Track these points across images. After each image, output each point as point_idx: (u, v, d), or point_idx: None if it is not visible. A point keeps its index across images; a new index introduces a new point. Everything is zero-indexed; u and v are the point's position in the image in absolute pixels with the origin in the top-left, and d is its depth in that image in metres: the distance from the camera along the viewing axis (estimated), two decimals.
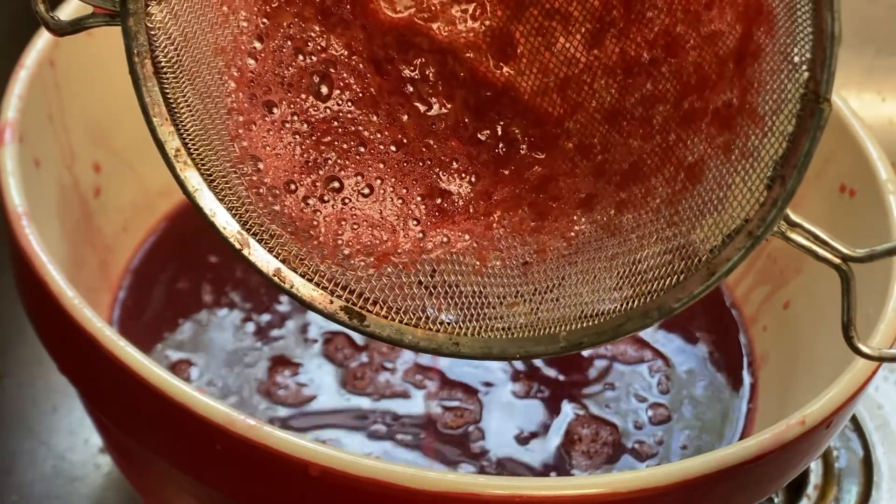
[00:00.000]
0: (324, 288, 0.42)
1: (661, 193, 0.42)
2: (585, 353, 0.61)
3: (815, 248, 0.41)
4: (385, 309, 0.42)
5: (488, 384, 0.59)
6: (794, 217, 0.40)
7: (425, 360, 0.60)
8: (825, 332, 0.56)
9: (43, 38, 0.57)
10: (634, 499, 0.43)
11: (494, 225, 0.44)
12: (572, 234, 0.43)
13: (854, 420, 0.66)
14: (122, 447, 0.53)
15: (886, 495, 0.63)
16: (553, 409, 0.59)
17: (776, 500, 0.62)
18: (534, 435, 0.57)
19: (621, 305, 0.41)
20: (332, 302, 0.42)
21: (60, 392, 0.64)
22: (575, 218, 0.43)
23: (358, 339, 0.60)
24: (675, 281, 0.41)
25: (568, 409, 0.59)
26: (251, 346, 0.60)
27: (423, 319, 0.42)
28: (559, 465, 0.56)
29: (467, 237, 0.43)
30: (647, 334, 0.62)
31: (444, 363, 0.60)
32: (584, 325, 0.42)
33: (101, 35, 0.59)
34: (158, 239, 0.64)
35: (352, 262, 0.42)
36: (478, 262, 0.43)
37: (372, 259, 0.42)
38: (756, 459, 0.45)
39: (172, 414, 0.44)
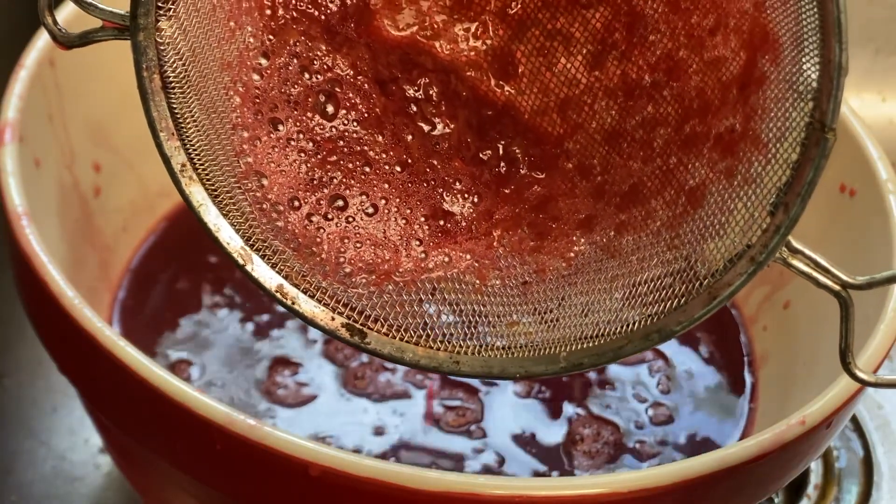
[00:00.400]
0: (325, 304, 0.42)
1: (661, 216, 0.42)
2: None
3: (815, 274, 0.41)
4: (386, 327, 0.42)
5: (489, 384, 0.59)
6: (795, 244, 0.40)
7: None
8: (825, 332, 0.56)
9: (43, 38, 0.57)
10: (634, 499, 0.43)
11: (495, 244, 0.44)
12: (572, 254, 0.43)
13: (854, 420, 0.66)
14: (122, 447, 0.53)
15: (886, 495, 0.63)
16: (554, 409, 0.59)
17: (776, 500, 0.62)
18: (535, 435, 0.57)
19: (622, 327, 0.41)
20: (333, 319, 0.42)
21: (60, 392, 0.64)
22: (574, 238, 0.44)
23: None
24: (676, 304, 0.41)
25: (569, 409, 0.59)
26: (251, 346, 0.60)
27: (424, 337, 0.42)
28: (561, 465, 0.56)
29: (468, 257, 0.44)
30: None
31: None
32: (585, 346, 0.42)
33: None
34: (158, 239, 0.64)
35: (353, 279, 0.42)
36: (478, 281, 0.43)
37: (373, 277, 0.43)
38: (756, 459, 0.45)
39: (172, 414, 0.44)
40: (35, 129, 0.55)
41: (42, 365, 0.64)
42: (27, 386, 0.65)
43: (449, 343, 0.42)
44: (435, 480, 0.42)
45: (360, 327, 0.42)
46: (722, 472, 0.44)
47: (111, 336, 0.45)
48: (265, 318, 0.61)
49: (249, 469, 0.44)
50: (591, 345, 0.42)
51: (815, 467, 0.63)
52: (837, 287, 0.41)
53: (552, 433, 0.58)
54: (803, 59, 0.39)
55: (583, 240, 0.43)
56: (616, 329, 0.41)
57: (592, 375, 0.60)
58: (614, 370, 0.61)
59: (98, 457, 0.62)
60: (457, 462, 0.56)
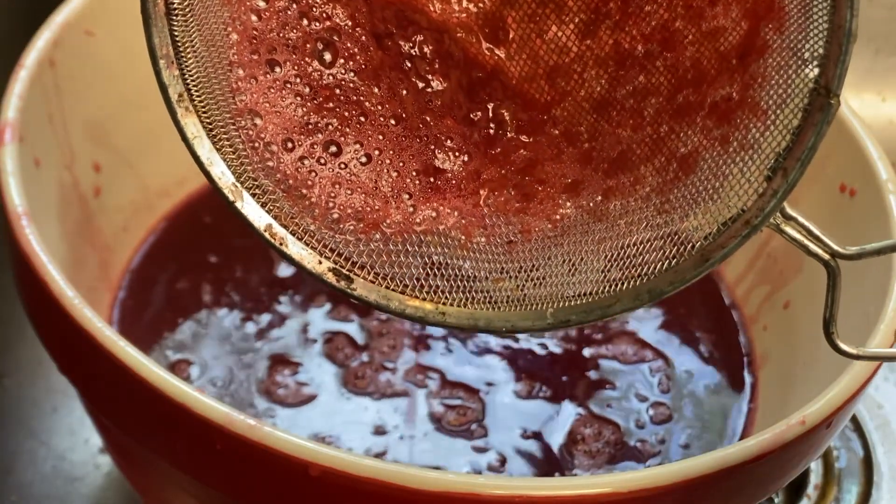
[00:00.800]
0: (313, 248, 0.42)
1: (651, 182, 0.42)
2: (586, 352, 0.61)
3: (806, 242, 0.41)
4: (372, 274, 0.42)
5: (490, 384, 0.59)
6: (789, 210, 0.41)
7: (425, 358, 0.60)
8: None
9: (43, 38, 0.57)
10: (634, 499, 0.43)
11: (481, 203, 0.44)
12: (557, 216, 0.43)
13: (854, 420, 0.66)
14: (122, 447, 0.53)
15: (886, 495, 0.63)
16: (555, 409, 0.59)
17: (776, 500, 0.62)
18: (536, 434, 0.57)
19: (610, 286, 0.41)
20: (320, 262, 0.42)
21: (60, 392, 0.64)
22: (560, 202, 0.44)
23: (358, 338, 0.60)
24: (666, 266, 0.41)
25: (570, 409, 0.59)
26: (251, 345, 0.60)
27: (410, 287, 0.42)
28: (562, 465, 0.56)
29: (455, 213, 0.44)
30: (647, 334, 0.62)
31: (444, 363, 0.60)
32: (572, 303, 0.42)
33: (101, 35, 0.60)
34: (158, 239, 0.64)
35: (342, 225, 0.43)
36: (463, 237, 0.43)
37: (362, 225, 0.43)
38: (756, 459, 0.45)
39: (172, 414, 0.44)
40: (35, 129, 0.55)
41: (42, 365, 0.64)
42: (27, 386, 0.65)
43: (435, 294, 0.42)
44: (435, 480, 0.42)
45: (347, 273, 0.42)
46: (722, 472, 0.44)
47: (111, 336, 0.45)
48: (265, 318, 0.61)
49: (249, 469, 0.44)
50: (578, 302, 0.42)
51: (815, 467, 0.63)
52: (827, 256, 0.41)
53: (553, 432, 0.58)
54: (811, 27, 0.39)
55: (569, 203, 0.43)
56: (604, 288, 0.41)
57: (593, 374, 0.60)
58: (615, 369, 0.61)
59: (98, 457, 0.62)
60: (457, 462, 0.56)
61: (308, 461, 0.42)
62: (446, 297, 0.42)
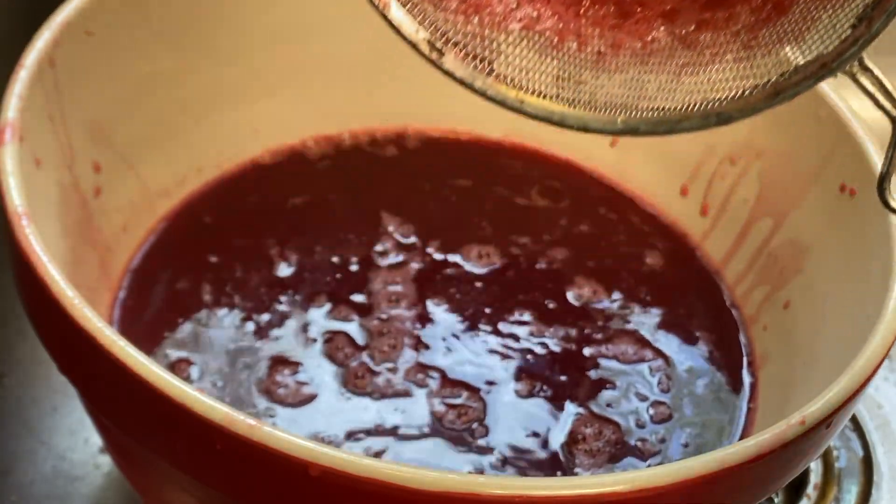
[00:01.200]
0: (413, 17, 0.45)
1: (743, 20, 0.44)
2: (586, 352, 0.61)
3: (878, 95, 0.43)
4: (463, 53, 0.45)
5: (491, 383, 0.59)
6: (867, 62, 0.42)
7: (425, 358, 0.60)
8: (825, 332, 0.56)
9: (43, 38, 0.57)
10: (634, 499, 0.43)
11: (580, 13, 0.46)
12: (649, 38, 0.46)
13: (854, 420, 0.66)
14: (122, 447, 0.53)
15: (886, 495, 0.63)
16: (556, 409, 0.59)
17: (776, 500, 0.62)
18: (537, 434, 0.57)
19: (683, 106, 0.44)
20: (417, 31, 0.45)
21: (60, 392, 0.64)
22: (654, 25, 0.46)
23: (358, 338, 0.60)
24: (739, 94, 0.43)
25: (570, 409, 0.59)
26: (251, 345, 0.60)
27: (496, 73, 0.45)
28: (562, 464, 0.56)
29: (555, 18, 0.46)
30: (647, 334, 0.62)
31: (445, 362, 0.60)
32: (644, 115, 0.44)
33: (101, 35, 0.60)
34: (158, 239, 0.64)
35: (444, 3, 0.45)
36: (556, 38, 0.46)
37: (463, 6, 0.45)
38: (756, 459, 0.45)
39: (172, 414, 0.44)
40: (35, 129, 0.55)
41: (42, 365, 0.64)
42: (27, 386, 0.65)
43: (518, 83, 0.45)
44: (435, 480, 0.42)
45: (440, 47, 0.45)
46: (722, 472, 0.44)
47: (111, 336, 0.45)
48: (265, 317, 0.61)
49: (249, 469, 0.44)
50: (650, 115, 0.44)
51: (815, 467, 0.63)
52: (895, 112, 0.43)
53: (554, 432, 0.58)
54: None
55: (662, 28, 0.46)
56: (677, 107, 0.44)
57: (594, 374, 0.60)
58: (615, 369, 0.61)
59: (98, 457, 0.62)
60: (458, 461, 0.56)
61: (308, 461, 0.42)
62: (529, 87, 0.45)
